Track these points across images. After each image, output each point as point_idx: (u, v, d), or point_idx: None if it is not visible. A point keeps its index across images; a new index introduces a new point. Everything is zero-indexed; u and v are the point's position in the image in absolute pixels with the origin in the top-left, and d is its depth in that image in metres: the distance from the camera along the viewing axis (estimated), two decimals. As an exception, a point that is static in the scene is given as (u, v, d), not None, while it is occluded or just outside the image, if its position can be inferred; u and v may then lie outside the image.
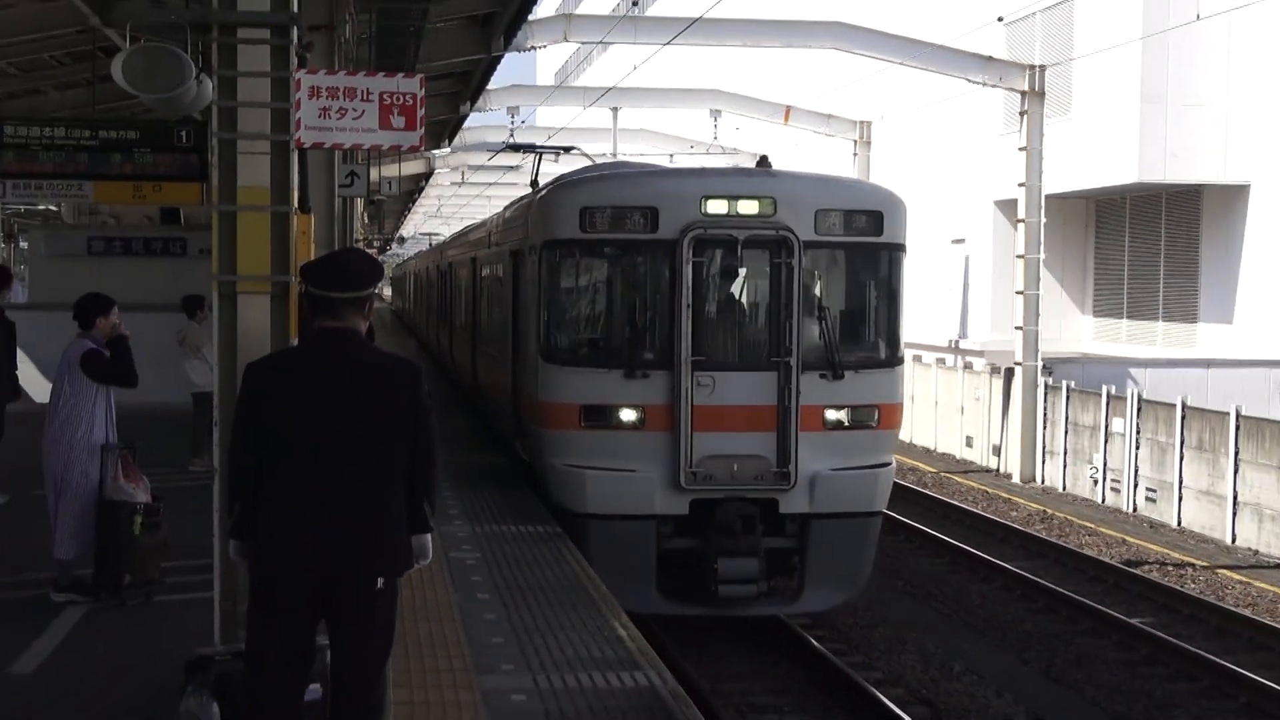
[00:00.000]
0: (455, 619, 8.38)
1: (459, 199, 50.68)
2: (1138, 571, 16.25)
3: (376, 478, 4.95)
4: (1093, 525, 19.65)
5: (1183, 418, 19.94)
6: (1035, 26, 28.41)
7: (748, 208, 11.42)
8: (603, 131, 32.65)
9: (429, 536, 5.22)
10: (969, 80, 24.38)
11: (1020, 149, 23.96)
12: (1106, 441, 21.83)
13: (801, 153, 32.32)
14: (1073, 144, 26.59)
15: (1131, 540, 18.63)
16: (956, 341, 29.83)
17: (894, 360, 12.03)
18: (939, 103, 28.97)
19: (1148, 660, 12.74)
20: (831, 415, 11.53)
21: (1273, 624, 13.93)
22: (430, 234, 62.37)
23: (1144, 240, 28.89)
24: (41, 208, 32.09)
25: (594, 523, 11.34)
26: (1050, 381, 23.84)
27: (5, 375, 11.98)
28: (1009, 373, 24.63)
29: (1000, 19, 27.12)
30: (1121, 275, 29.58)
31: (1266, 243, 25.23)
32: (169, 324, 14.34)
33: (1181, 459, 19.89)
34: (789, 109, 31.02)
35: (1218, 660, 12.35)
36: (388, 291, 76.68)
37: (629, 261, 11.76)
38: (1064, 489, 22.98)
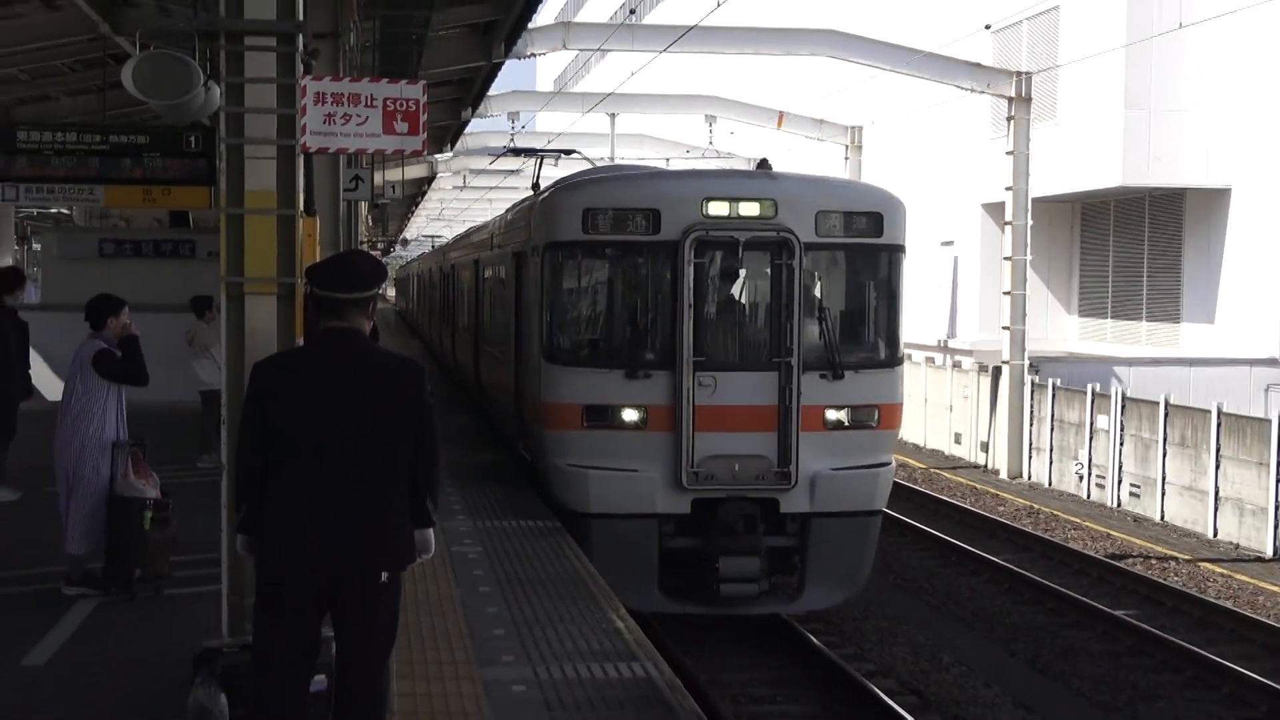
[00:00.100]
0: (457, 612, 8.37)
1: (461, 202, 50.70)
2: (1122, 565, 16.25)
3: (380, 477, 4.94)
4: (1078, 520, 19.66)
5: (1165, 415, 19.95)
6: (1022, 34, 28.43)
7: (749, 209, 11.31)
8: (601, 136, 32.66)
9: (431, 531, 5.21)
10: (958, 86, 24.39)
11: (1007, 153, 23.98)
12: (1091, 438, 21.84)
13: (794, 157, 32.29)
14: (1059, 148, 26.60)
15: (1116, 534, 18.64)
16: (945, 341, 29.87)
17: (894, 360, 11.91)
18: (929, 108, 28.97)
19: (1132, 651, 12.74)
20: (832, 415, 11.41)
21: (1253, 616, 13.94)
22: (433, 236, 62.32)
23: (1128, 242, 28.91)
24: (54, 211, 32.09)
25: (597, 522, 11.23)
26: (1037, 380, 23.85)
27: (18, 374, 11.96)
28: (996, 371, 24.65)
29: (988, 27, 27.13)
30: (1106, 276, 29.60)
31: (1247, 245, 25.25)
32: (178, 324, 14.32)
33: (1164, 455, 19.89)
34: (782, 114, 31.04)
35: (1200, 651, 12.35)
36: (391, 292, 76.69)
37: (631, 263, 11.64)
38: (1050, 484, 22.98)
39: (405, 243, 70.46)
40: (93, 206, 22.12)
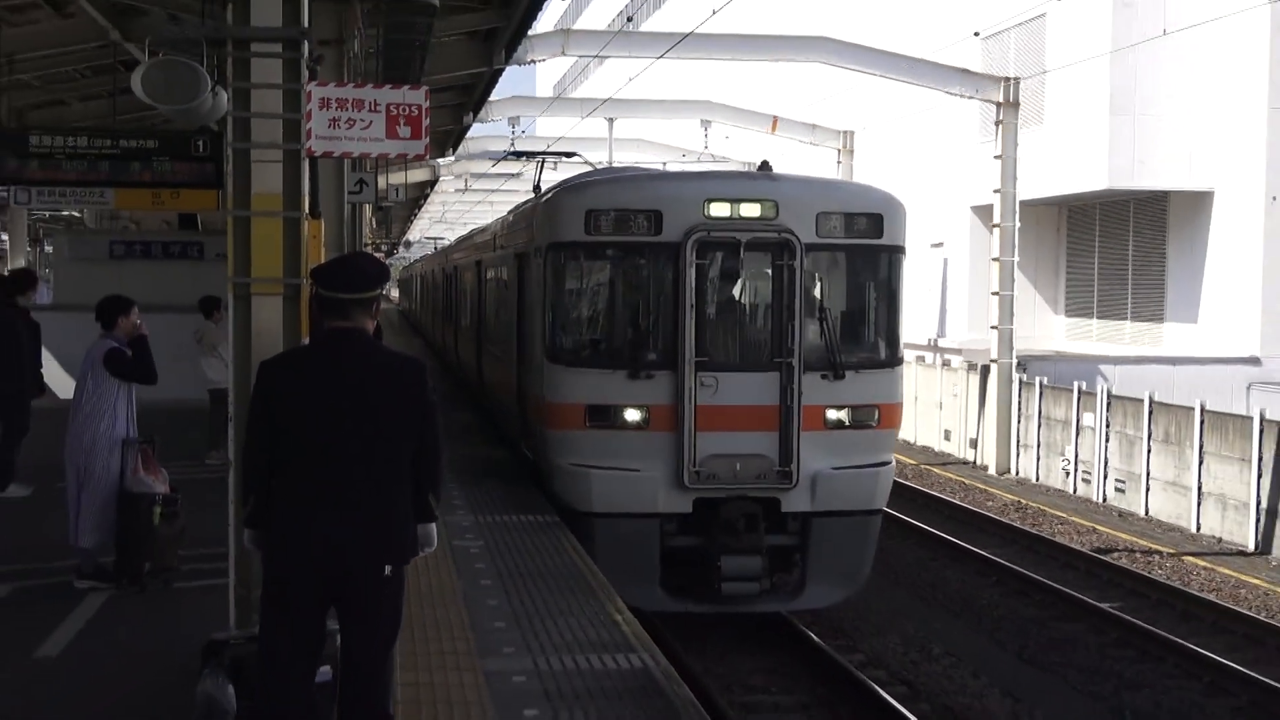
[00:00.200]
0: (459, 604, 8.37)
1: (462, 205, 50.67)
2: (1107, 558, 16.26)
3: (384, 476, 4.94)
4: (1065, 514, 19.66)
5: (1150, 412, 19.95)
6: (1009, 41, 28.43)
7: (750, 210, 11.17)
8: (599, 141, 32.61)
9: (434, 526, 5.21)
10: (947, 92, 24.38)
11: (995, 157, 23.96)
12: (1078, 435, 21.84)
13: (788, 161, 32.18)
14: (1045, 152, 26.60)
15: (1101, 529, 18.64)
16: (935, 340, 29.87)
17: (894, 360, 11.80)
18: (919, 113, 28.97)
19: (1117, 643, 12.74)
20: (832, 415, 11.27)
21: (1234, 608, 13.94)
22: (435, 238, 62.26)
23: (1113, 244, 28.93)
24: (65, 213, 32.08)
25: (599, 521, 11.11)
26: (1024, 378, 23.85)
27: (31, 373, 11.95)
28: (985, 370, 24.65)
29: (976, 34, 27.12)
30: (1092, 277, 29.61)
31: (1229, 246, 25.28)
32: (187, 324, 14.32)
33: (1149, 451, 19.90)
34: (776, 119, 31.00)
35: (1183, 642, 12.35)
36: (395, 293, 76.65)
37: (633, 263, 11.50)
38: (1037, 480, 22.99)
39: (408, 245, 70.42)
40: (103, 209, 22.17)
